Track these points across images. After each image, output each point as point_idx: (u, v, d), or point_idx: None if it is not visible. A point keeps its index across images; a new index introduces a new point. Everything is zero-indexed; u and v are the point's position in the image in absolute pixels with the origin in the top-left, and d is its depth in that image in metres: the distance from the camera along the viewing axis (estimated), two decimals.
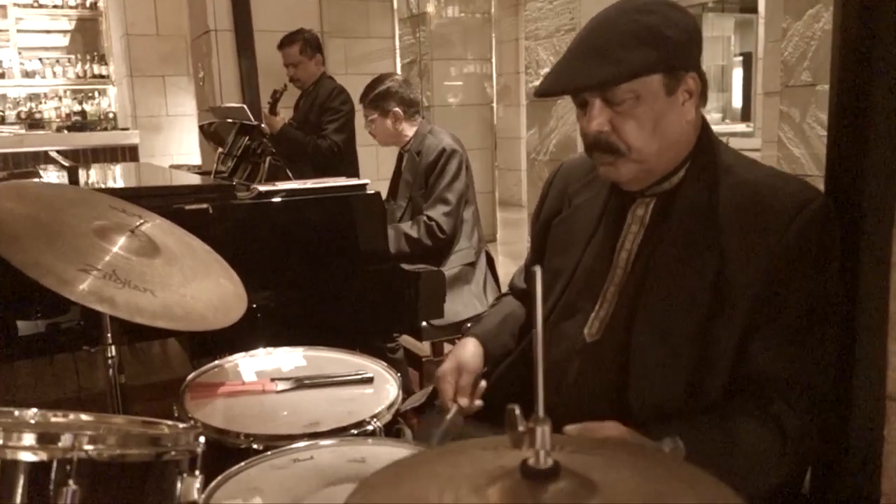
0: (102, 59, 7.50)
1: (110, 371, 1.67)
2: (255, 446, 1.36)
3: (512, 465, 0.78)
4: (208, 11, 4.33)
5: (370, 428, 1.43)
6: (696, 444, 1.09)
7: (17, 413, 1.01)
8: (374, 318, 2.42)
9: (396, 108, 3.07)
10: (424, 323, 2.67)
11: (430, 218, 2.92)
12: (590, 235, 1.37)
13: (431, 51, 6.92)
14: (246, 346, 1.81)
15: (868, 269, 1.07)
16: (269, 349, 1.81)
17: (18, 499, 0.84)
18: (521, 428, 0.78)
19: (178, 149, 6.94)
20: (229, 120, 3.21)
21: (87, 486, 0.86)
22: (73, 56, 7.47)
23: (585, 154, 1.31)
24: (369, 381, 1.65)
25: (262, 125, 3.31)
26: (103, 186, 2.58)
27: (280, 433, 1.40)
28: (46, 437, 0.86)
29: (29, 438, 0.86)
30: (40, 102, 7.40)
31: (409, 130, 3.12)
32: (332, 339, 1.86)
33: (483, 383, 1.46)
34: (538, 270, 0.76)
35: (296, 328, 2.23)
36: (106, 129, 7.33)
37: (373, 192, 2.40)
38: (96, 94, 7.54)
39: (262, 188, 2.32)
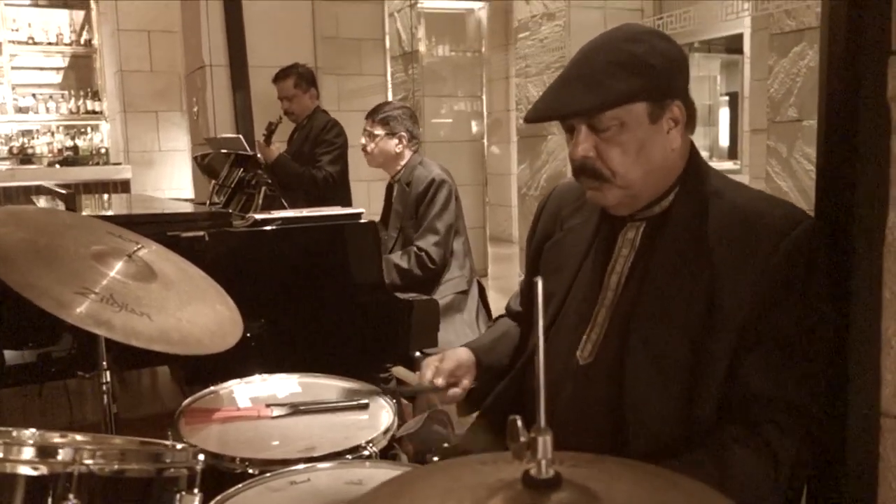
0: (96, 95, 7.54)
1: (105, 398, 1.66)
2: (250, 471, 1.35)
3: (513, 477, 0.79)
4: (203, 47, 4.39)
5: (366, 453, 1.43)
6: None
7: (14, 433, 1.01)
8: (367, 347, 2.42)
9: (403, 133, 3.10)
10: (418, 353, 2.67)
11: (419, 248, 2.93)
12: (581, 259, 1.39)
13: (423, 87, 7.00)
14: (239, 374, 1.80)
15: (860, 288, 1.09)
16: (264, 376, 1.81)
17: None
18: (522, 439, 0.79)
19: (170, 183, 6.97)
20: (223, 151, 3.24)
21: (87, 500, 0.85)
22: (66, 92, 7.52)
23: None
24: (365, 407, 1.65)
25: (258, 155, 3.33)
26: (101, 213, 2.59)
27: (275, 458, 1.40)
28: (46, 451, 0.86)
29: (28, 452, 0.86)
30: (33, 138, 7.42)
31: (404, 159, 3.15)
32: (324, 369, 1.86)
33: (466, 382, 1.50)
34: (539, 281, 0.77)
35: (288, 357, 2.22)
36: (98, 163, 7.35)
37: (367, 220, 2.42)
38: (89, 129, 7.57)
39: (258, 216, 2.34)
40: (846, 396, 1.10)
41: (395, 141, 3.11)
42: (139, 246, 1.60)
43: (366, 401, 1.66)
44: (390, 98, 6.95)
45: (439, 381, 1.46)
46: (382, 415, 1.61)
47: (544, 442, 0.77)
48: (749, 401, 1.16)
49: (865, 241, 1.07)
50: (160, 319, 1.46)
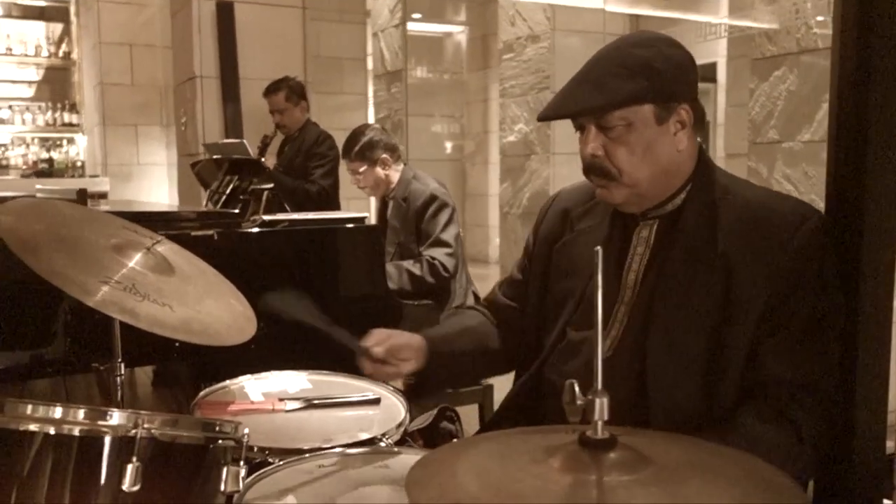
0: (73, 108, 7.49)
1: (119, 392, 1.66)
2: (270, 460, 1.36)
3: (565, 442, 0.83)
4: (195, 58, 4.40)
5: (382, 445, 1.45)
6: None
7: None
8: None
9: (384, 155, 3.14)
10: None
11: (433, 257, 2.97)
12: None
13: (405, 107, 7.07)
14: (247, 372, 1.81)
15: (868, 276, 1.15)
16: (274, 372, 1.82)
17: (70, 472, 0.85)
18: (579, 402, 0.83)
19: (148, 197, 6.92)
20: (215, 158, 3.24)
21: (147, 464, 0.87)
22: (42, 104, 7.46)
23: (583, 181, 1.40)
24: (376, 401, 1.67)
25: (262, 159, 3.35)
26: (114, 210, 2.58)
27: (295, 447, 1.41)
28: (99, 415, 0.88)
29: (79, 414, 0.87)
30: (7, 149, 7.34)
31: (395, 176, 3.19)
32: (327, 368, 1.88)
33: (407, 366, 1.54)
34: (600, 251, 0.82)
35: (290, 356, 2.23)
36: (73, 176, 7.28)
37: (371, 224, 2.45)
38: (65, 142, 7.51)
39: (266, 218, 2.37)
40: (856, 376, 1.16)
41: (380, 167, 3.16)
42: (157, 239, 1.61)
43: (377, 396, 1.69)
44: (371, 116, 7.02)
45: (377, 350, 1.48)
46: (394, 409, 1.63)
47: (601, 404, 0.81)
48: (768, 384, 1.21)
49: (874, 235, 1.13)
50: (182, 311, 1.48)
